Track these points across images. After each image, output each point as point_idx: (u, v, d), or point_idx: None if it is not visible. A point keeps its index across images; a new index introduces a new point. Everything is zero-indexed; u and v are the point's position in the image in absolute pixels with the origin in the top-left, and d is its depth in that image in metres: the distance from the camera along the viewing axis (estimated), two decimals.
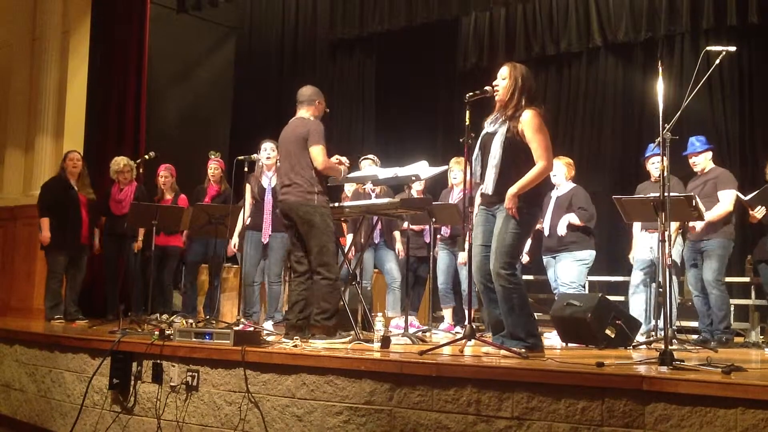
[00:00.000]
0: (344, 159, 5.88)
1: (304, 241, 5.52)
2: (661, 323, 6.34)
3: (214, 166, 8.12)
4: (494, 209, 4.84)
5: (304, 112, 5.71)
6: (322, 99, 5.81)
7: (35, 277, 8.80)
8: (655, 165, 6.98)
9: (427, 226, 7.77)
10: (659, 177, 6.86)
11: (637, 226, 7.12)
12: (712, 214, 6.50)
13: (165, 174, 8.22)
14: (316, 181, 5.49)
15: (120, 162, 8.09)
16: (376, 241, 7.71)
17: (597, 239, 7.11)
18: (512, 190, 4.67)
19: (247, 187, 7.26)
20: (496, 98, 4.90)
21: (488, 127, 4.91)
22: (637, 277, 7.02)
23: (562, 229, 6.83)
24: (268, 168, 7.20)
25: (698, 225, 6.54)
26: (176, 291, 8.81)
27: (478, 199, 5.03)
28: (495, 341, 4.82)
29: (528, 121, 4.72)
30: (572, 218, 6.86)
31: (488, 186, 4.81)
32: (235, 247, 7.53)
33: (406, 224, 6.75)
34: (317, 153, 5.48)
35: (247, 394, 4.67)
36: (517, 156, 4.74)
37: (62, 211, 7.87)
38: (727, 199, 6.58)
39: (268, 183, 7.17)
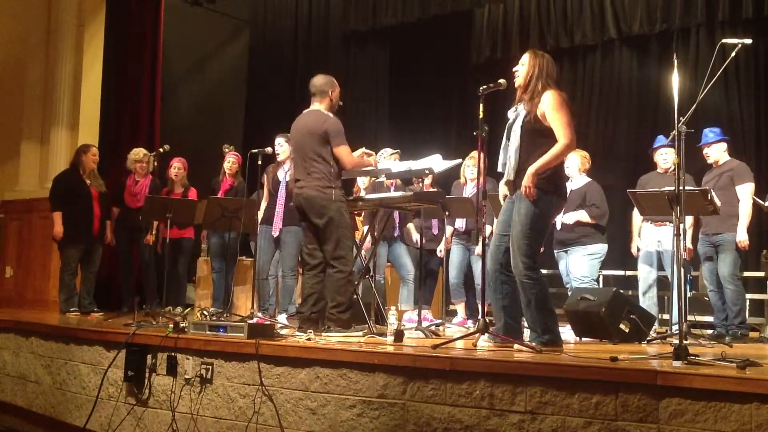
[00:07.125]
0: (369, 151, 5.87)
1: (318, 234, 5.51)
2: (675, 317, 6.33)
3: (231, 160, 8.08)
4: (515, 197, 4.81)
5: (317, 105, 5.65)
6: (336, 87, 5.69)
7: (51, 269, 8.87)
8: (663, 156, 6.95)
9: (435, 220, 7.77)
10: (668, 169, 6.89)
11: (637, 217, 7.08)
12: (743, 218, 6.51)
13: (178, 166, 8.23)
14: (333, 176, 5.48)
15: (140, 152, 8.16)
16: (396, 234, 7.69)
17: (610, 233, 7.07)
18: (532, 169, 4.61)
19: (265, 179, 7.28)
20: (516, 84, 4.89)
21: (511, 114, 4.91)
22: (645, 271, 6.98)
23: (569, 220, 6.79)
24: (284, 162, 7.22)
25: (712, 219, 6.52)
26: (190, 284, 8.84)
27: (503, 188, 5.01)
28: (496, 331, 4.84)
29: (548, 101, 4.68)
30: (583, 216, 6.81)
31: (509, 171, 4.79)
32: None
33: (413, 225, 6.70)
34: (345, 153, 5.48)
35: (260, 387, 4.69)
36: (536, 140, 4.70)
37: (75, 205, 7.90)
38: (746, 195, 6.54)
39: (283, 176, 7.17)
